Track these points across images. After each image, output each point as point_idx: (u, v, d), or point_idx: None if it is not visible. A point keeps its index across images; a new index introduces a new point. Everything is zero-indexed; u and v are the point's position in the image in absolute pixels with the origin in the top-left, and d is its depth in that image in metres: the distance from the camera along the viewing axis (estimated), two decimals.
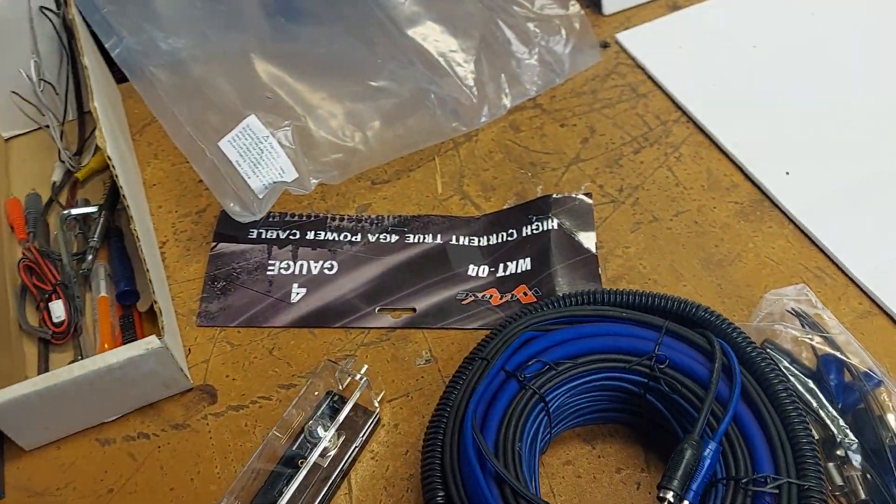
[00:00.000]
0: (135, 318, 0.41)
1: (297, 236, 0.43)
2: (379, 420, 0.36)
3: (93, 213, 0.44)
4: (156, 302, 0.36)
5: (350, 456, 0.35)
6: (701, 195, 0.42)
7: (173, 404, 0.38)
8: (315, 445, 0.33)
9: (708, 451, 0.29)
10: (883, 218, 0.40)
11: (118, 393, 0.36)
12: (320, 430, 0.34)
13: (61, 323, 0.39)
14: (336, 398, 0.35)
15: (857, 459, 0.32)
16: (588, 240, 0.41)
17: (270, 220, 0.44)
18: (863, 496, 0.31)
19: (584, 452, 0.34)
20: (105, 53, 0.44)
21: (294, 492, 0.32)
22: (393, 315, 0.40)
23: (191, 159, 0.41)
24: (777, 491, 0.28)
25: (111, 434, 0.37)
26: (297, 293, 0.41)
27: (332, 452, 0.34)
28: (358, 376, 0.35)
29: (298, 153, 0.41)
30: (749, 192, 0.42)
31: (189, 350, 0.40)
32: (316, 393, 0.35)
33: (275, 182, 0.40)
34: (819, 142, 0.43)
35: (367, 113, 0.44)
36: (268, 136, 0.40)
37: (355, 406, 0.36)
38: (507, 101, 0.46)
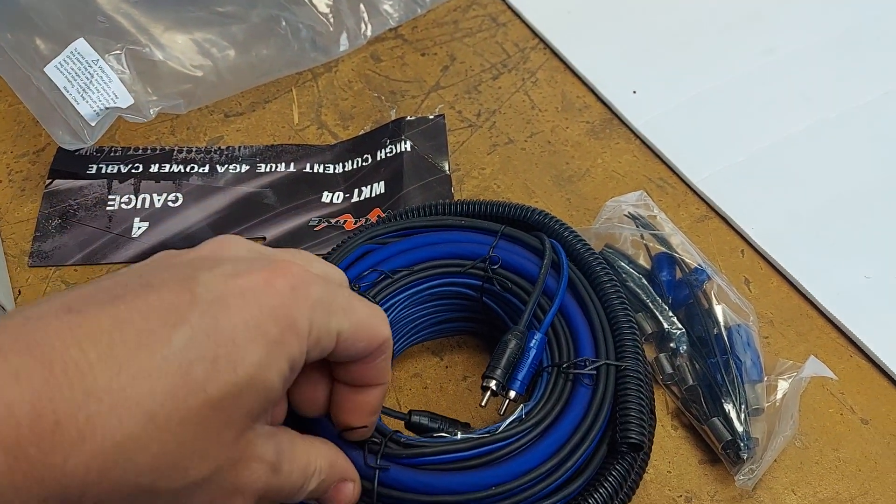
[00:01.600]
0: None
1: (140, 170, 0.41)
2: None
3: None
4: None
5: None
6: (555, 117, 0.43)
7: None
8: None
9: (534, 341, 0.29)
10: (717, 128, 0.41)
11: None
12: None
13: None
14: None
15: (683, 348, 0.33)
16: (442, 161, 0.41)
17: (112, 154, 0.41)
18: (690, 382, 0.32)
19: (432, 364, 0.34)
20: None
21: None
22: None
23: (16, 89, 0.38)
24: (595, 372, 0.28)
25: None
26: (139, 227, 0.39)
27: None
28: None
29: (135, 79, 0.39)
30: (600, 111, 0.43)
31: (19, 292, 0.37)
32: None
33: (107, 108, 0.38)
34: (662, 62, 0.44)
35: (216, 41, 0.42)
36: (98, 60, 0.38)
37: None
38: (367, 31, 0.45)
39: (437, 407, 0.33)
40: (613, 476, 0.27)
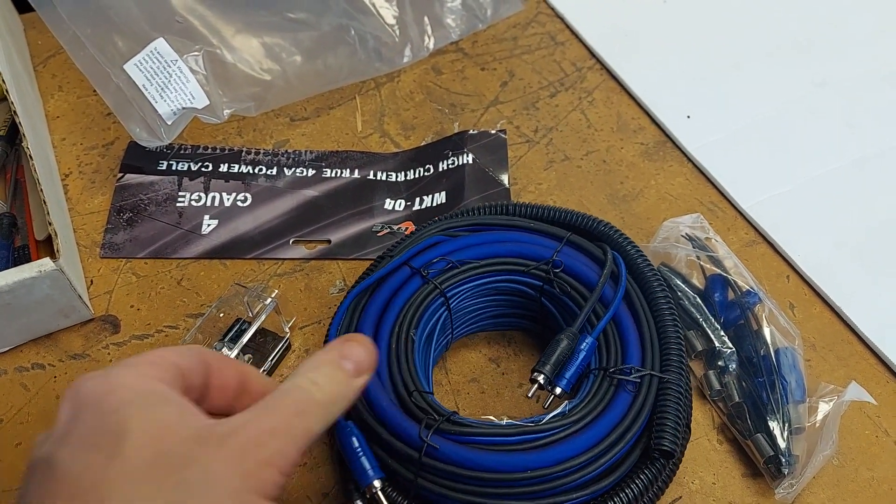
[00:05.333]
0: (31, 251, 0.39)
1: (210, 168, 0.42)
2: (289, 345, 0.36)
3: None
4: (50, 224, 0.35)
5: None
6: (610, 136, 0.45)
7: (72, 335, 0.37)
8: None
9: (584, 344, 0.31)
10: (768, 157, 0.43)
11: (9, 321, 0.34)
12: (224, 352, 0.33)
13: None
14: (245, 325, 0.35)
15: (732, 366, 0.35)
16: (502, 174, 0.42)
17: (182, 151, 0.43)
18: (737, 398, 0.34)
19: (490, 370, 0.36)
20: None
21: None
22: (307, 246, 0.40)
23: (95, 84, 0.40)
24: (639, 380, 0.30)
25: (2, 365, 0.35)
26: (209, 225, 0.40)
27: None
28: (268, 301, 0.35)
29: (210, 80, 0.40)
30: (654, 134, 0.45)
31: (91, 281, 0.38)
32: (221, 315, 0.35)
33: (184, 108, 0.39)
34: (716, 88, 0.46)
35: (286, 46, 0.43)
36: (176, 60, 0.39)
37: (265, 332, 0.35)
38: (429, 44, 0.46)
39: (494, 410, 0.35)
40: (641, 479, 0.28)
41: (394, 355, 0.30)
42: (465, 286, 0.33)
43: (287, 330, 0.36)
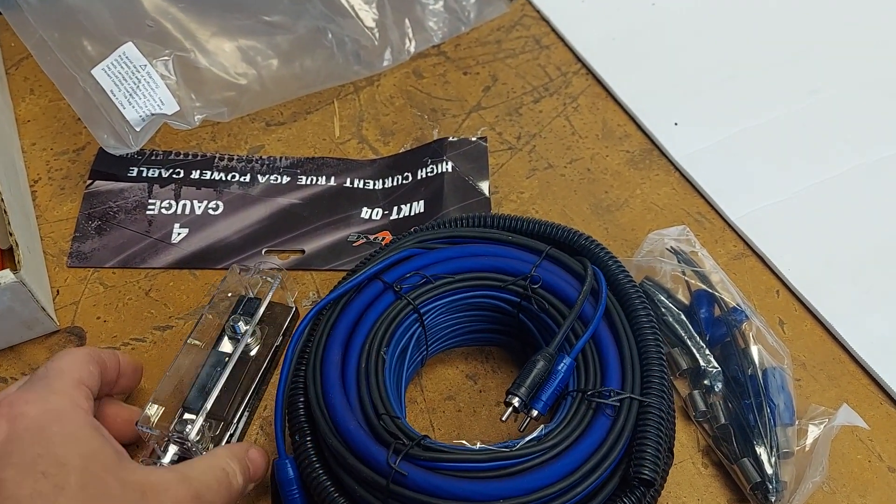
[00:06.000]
0: None
1: (181, 175, 0.41)
2: (297, 314, 0.36)
3: None
4: (11, 234, 0.34)
5: (274, 349, 0.34)
6: (595, 144, 0.43)
7: (36, 347, 0.35)
8: (239, 340, 0.32)
9: (562, 365, 0.29)
10: (758, 167, 0.42)
11: None
12: (241, 325, 0.33)
13: None
14: (249, 300, 0.34)
15: (718, 386, 0.33)
16: (482, 183, 0.41)
17: (153, 158, 0.41)
18: (723, 420, 0.33)
19: (466, 388, 0.35)
20: None
21: (223, 387, 0.31)
22: (280, 256, 0.39)
23: (62, 89, 0.38)
24: (618, 404, 0.28)
25: None
26: (179, 233, 0.39)
27: (256, 349, 0.34)
28: (271, 278, 0.34)
29: (181, 85, 0.39)
30: (640, 141, 0.43)
31: (57, 291, 0.37)
32: (230, 294, 0.34)
33: (153, 114, 0.38)
34: (706, 96, 0.44)
35: (261, 49, 0.42)
36: (145, 65, 0.38)
37: (272, 304, 0.35)
38: (410, 47, 0.45)
39: (470, 430, 0.33)
40: None
41: (363, 375, 0.29)
42: (439, 302, 0.32)
43: (292, 303, 0.35)
